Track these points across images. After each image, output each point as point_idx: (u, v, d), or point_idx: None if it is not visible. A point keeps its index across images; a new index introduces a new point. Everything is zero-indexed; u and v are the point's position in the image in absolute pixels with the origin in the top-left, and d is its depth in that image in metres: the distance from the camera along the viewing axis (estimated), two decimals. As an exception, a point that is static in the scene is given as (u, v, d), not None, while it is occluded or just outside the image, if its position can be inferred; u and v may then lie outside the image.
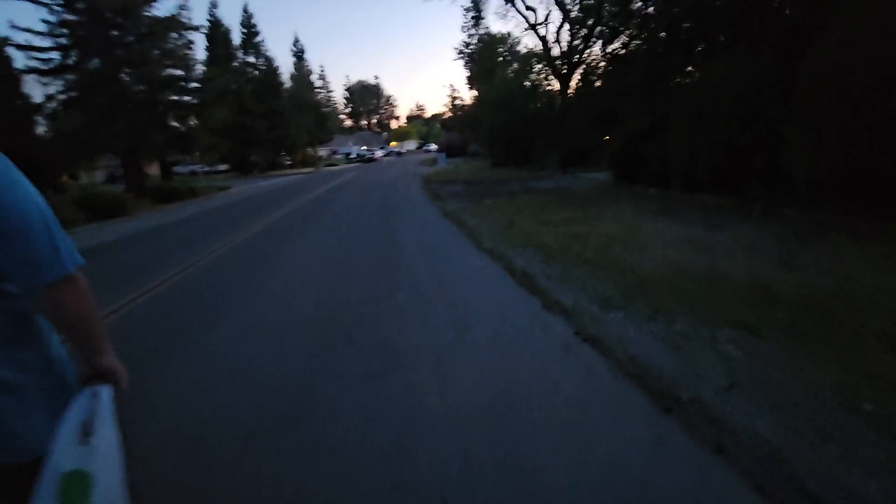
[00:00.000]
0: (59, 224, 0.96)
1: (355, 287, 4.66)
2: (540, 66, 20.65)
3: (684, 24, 8.16)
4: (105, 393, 0.99)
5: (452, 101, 52.53)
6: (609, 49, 12.03)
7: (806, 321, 3.05)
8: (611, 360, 2.75)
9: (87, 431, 0.93)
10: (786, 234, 5.46)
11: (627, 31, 10.28)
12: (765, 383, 2.40)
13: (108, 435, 0.94)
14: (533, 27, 20.02)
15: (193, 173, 31.81)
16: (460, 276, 4.84)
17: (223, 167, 47.23)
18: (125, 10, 20.30)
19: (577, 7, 13.38)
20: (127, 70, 21.24)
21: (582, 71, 17.98)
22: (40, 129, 24.16)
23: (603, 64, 12.73)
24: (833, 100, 5.81)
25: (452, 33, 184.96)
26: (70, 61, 21.62)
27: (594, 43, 13.32)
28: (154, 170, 31.64)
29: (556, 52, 20.15)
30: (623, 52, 10.70)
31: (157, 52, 21.85)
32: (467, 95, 43.88)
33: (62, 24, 20.01)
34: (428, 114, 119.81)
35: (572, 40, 18.02)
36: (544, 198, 10.03)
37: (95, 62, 20.67)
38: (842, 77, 5.72)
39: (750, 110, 7.08)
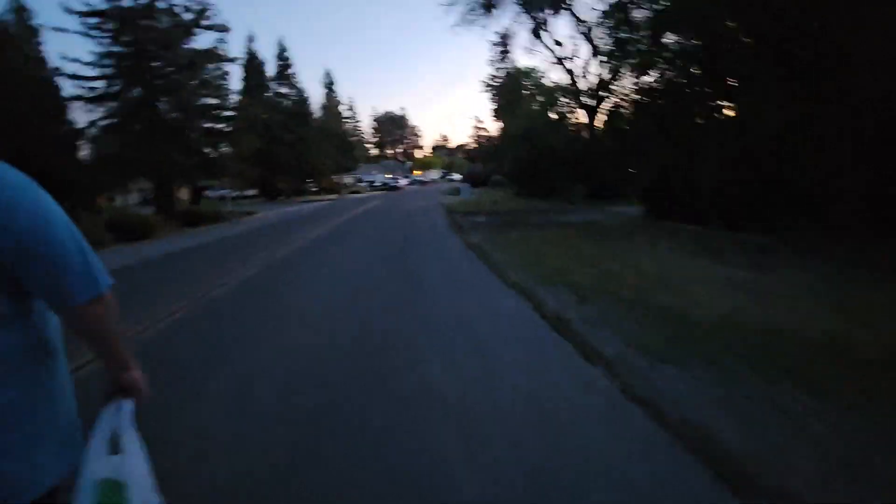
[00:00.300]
0: (88, 244, 0.97)
1: (372, 327, 4.37)
2: (566, 99, 20.65)
3: (714, 54, 7.89)
4: (128, 407, 1.03)
5: (476, 133, 53.17)
6: (639, 81, 11.84)
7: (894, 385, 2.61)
8: (668, 429, 2.35)
9: (115, 443, 0.97)
10: (842, 277, 4.98)
11: (659, 65, 10.06)
12: (864, 468, 1.97)
13: (135, 446, 0.98)
14: (560, 61, 20.14)
15: (223, 198, 32.57)
16: (486, 315, 4.50)
17: (251, 192, 48.50)
18: (167, 43, 21.29)
19: (610, 41, 13.25)
20: (164, 98, 22.12)
21: (610, 105, 17.83)
22: (83, 154, 25.27)
23: (637, 97, 12.48)
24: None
25: (478, 66, 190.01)
26: (113, 90, 22.71)
27: (623, 76, 13.18)
28: (186, 194, 32.79)
29: (583, 85, 20.22)
30: (654, 84, 10.46)
31: (193, 81, 22.75)
32: (492, 127, 44.35)
33: (108, 55, 21.05)
34: (452, 144, 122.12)
35: (600, 73, 17.99)
36: (573, 231, 9.68)
37: (137, 91, 21.58)
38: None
39: (781, 139, 6.70)
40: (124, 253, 10.86)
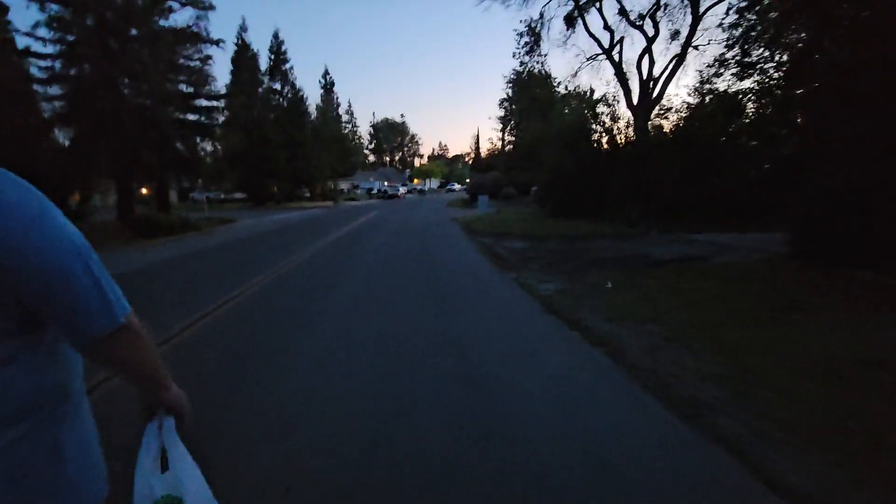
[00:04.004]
0: (103, 267, 0.83)
1: None
2: (607, 103, 17.08)
3: None
4: (169, 425, 0.97)
5: (477, 143, 50.13)
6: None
7: None
8: None
9: (164, 460, 0.93)
10: None
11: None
12: None
13: (184, 460, 0.93)
14: (607, 52, 16.74)
15: (197, 200, 28.81)
16: None
17: (239, 196, 44.84)
18: (130, 14, 17.66)
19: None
20: (127, 81, 18.42)
21: (681, 105, 14.35)
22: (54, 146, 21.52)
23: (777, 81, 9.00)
24: None
25: (483, 77, 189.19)
26: (72, 71, 19.13)
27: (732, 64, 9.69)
28: (171, 195, 28.88)
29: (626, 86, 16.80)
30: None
31: (162, 63, 19.02)
32: (496, 137, 41.23)
33: (58, 22, 17.31)
34: (451, 154, 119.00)
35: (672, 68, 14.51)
36: (704, 282, 6.02)
37: (92, 70, 17.84)
38: None
39: None
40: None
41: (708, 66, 9.82)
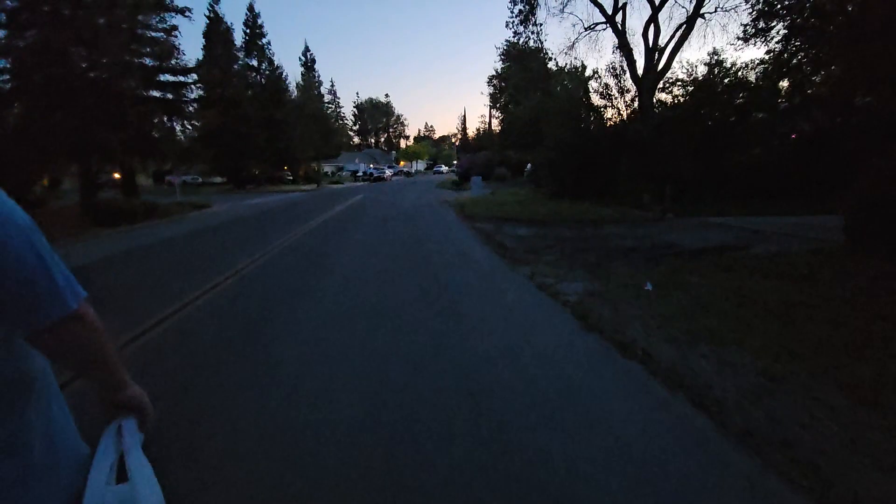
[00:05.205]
0: (51, 251, 0.78)
1: None
2: (616, 71, 15.80)
3: None
4: (129, 427, 0.89)
5: (464, 123, 48.51)
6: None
7: None
8: None
9: (121, 469, 0.82)
10: None
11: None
12: None
13: (143, 471, 0.83)
14: (610, 18, 15.42)
15: (172, 184, 27.08)
16: None
17: (219, 179, 42.86)
18: (81, -27, 15.75)
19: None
20: (82, 52, 16.56)
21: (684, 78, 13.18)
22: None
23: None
24: None
25: (470, 57, 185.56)
26: (21, 44, 17.22)
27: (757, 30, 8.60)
28: (145, 179, 26.88)
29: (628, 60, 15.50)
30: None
31: (121, 32, 17.15)
32: (486, 115, 39.69)
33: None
34: (437, 135, 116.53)
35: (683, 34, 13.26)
36: (763, 281, 4.94)
37: (38, 37, 15.96)
38: None
39: None
40: None
41: (753, 21, 8.75)
